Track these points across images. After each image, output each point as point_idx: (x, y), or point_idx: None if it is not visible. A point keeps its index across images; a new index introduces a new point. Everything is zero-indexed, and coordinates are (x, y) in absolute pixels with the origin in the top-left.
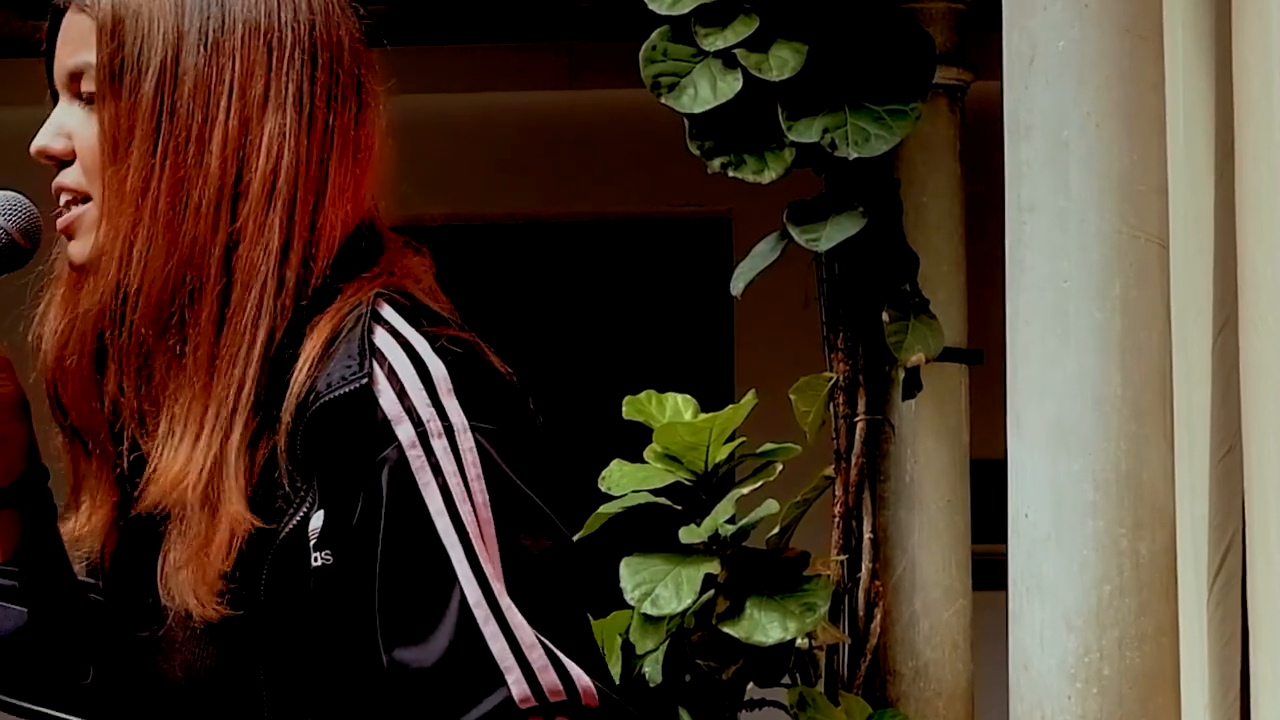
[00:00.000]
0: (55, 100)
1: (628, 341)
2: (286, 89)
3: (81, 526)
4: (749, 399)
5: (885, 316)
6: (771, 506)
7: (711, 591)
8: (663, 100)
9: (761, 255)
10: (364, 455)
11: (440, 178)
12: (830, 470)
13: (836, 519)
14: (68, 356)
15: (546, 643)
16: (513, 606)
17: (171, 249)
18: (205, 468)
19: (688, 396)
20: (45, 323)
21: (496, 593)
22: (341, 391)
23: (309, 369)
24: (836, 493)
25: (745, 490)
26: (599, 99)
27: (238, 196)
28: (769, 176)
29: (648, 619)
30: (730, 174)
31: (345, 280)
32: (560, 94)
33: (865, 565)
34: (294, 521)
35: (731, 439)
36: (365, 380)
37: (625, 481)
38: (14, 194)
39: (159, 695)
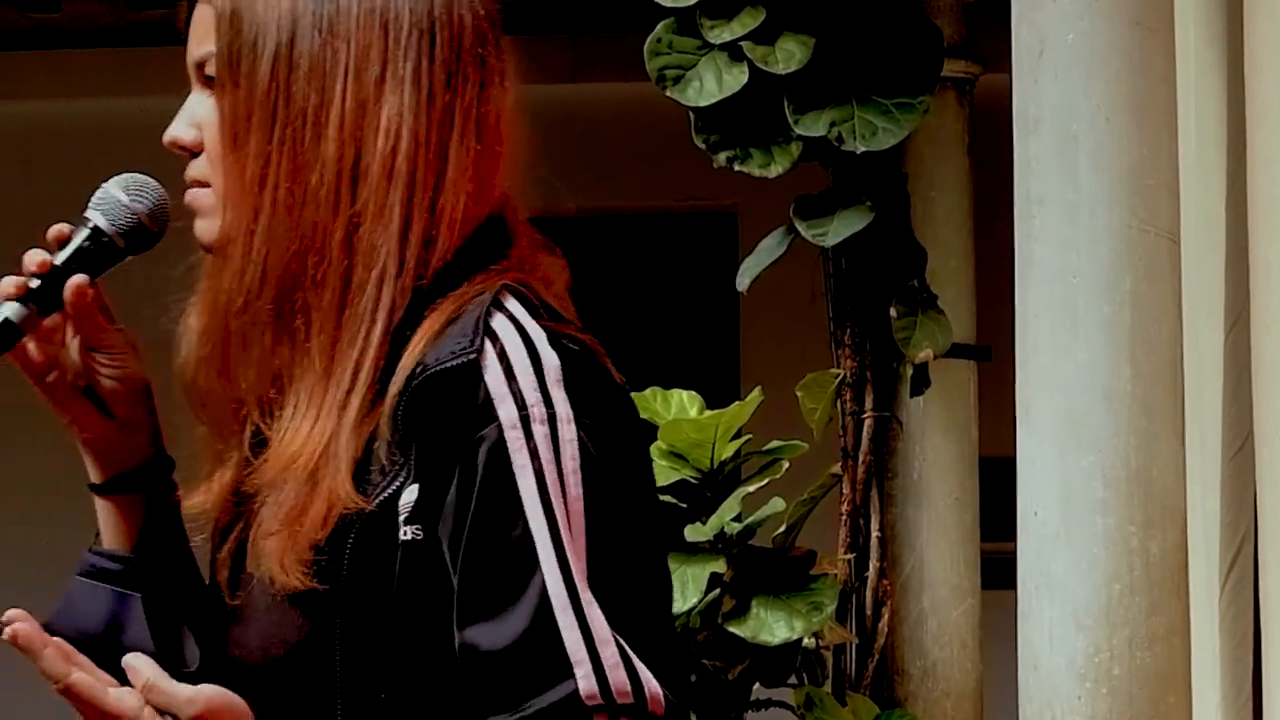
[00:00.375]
0: None
1: (632, 337)
2: (404, 70)
3: (202, 504)
4: (755, 396)
5: (893, 312)
6: (778, 504)
7: (717, 590)
8: (668, 93)
9: (768, 250)
10: (464, 431)
11: None
12: (837, 468)
13: (844, 517)
14: (205, 345)
15: (621, 642)
16: (593, 601)
17: (293, 235)
18: (320, 446)
19: (693, 393)
20: (192, 313)
21: (578, 585)
22: (449, 364)
23: (423, 346)
24: (844, 490)
25: (751, 488)
26: (603, 92)
27: (357, 179)
28: (775, 171)
29: None
30: (736, 168)
31: (475, 270)
32: (564, 87)
33: (873, 564)
34: (385, 494)
35: (737, 436)
36: (474, 355)
37: None
38: (143, 176)
39: (233, 666)
